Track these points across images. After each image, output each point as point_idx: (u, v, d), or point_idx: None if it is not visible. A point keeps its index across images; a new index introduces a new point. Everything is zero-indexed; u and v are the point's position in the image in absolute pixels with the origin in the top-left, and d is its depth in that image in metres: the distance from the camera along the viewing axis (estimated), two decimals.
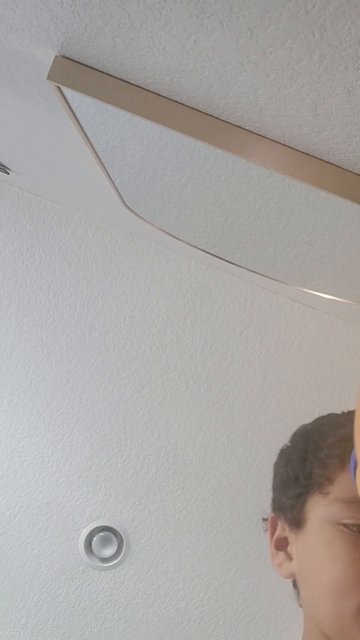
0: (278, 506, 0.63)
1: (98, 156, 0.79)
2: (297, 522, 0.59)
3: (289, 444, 0.67)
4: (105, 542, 1.47)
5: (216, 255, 1.17)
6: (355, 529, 0.54)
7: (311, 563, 0.57)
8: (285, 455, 0.66)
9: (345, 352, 1.50)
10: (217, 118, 0.59)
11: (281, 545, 0.62)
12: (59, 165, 1.06)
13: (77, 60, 0.58)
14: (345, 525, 0.55)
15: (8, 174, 1.30)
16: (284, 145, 0.60)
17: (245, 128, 0.59)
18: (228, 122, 0.59)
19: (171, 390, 1.49)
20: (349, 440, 0.58)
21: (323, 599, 0.54)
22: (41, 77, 0.66)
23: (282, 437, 1.52)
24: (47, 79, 0.58)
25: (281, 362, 1.50)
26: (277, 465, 0.66)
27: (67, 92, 0.59)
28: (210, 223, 0.99)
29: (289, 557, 0.61)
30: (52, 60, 0.59)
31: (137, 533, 1.49)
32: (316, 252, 0.90)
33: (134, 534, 1.48)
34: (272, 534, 0.63)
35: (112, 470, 1.49)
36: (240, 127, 0.59)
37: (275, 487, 0.65)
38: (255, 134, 0.59)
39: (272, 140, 0.60)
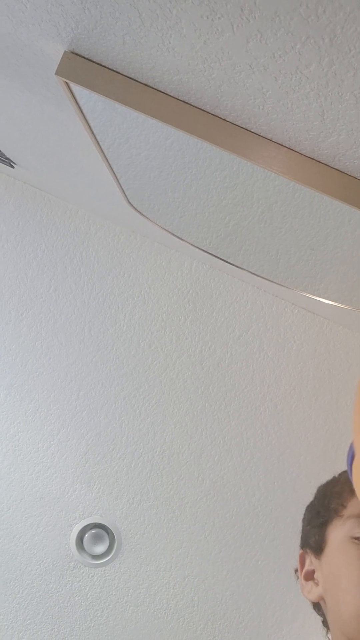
0: (305, 540, 0.77)
1: (104, 153, 0.79)
2: (319, 547, 0.72)
3: (312, 499, 0.81)
4: (97, 539, 1.47)
5: (218, 256, 1.17)
6: None
7: (332, 576, 0.68)
8: (310, 504, 0.80)
9: (344, 358, 1.50)
10: (224, 119, 0.59)
11: (309, 576, 0.74)
12: (65, 160, 1.06)
13: (86, 56, 0.58)
14: (357, 538, 0.66)
15: (13, 167, 1.30)
16: (290, 149, 0.60)
17: (252, 130, 0.59)
18: (235, 124, 0.59)
19: (168, 390, 1.49)
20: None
21: (344, 601, 0.64)
22: (50, 72, 0.66)
23: (278, 441, 1.53)
24: (55, 74, 0.58)
25: (279, 366, 1.50)
26: (304, 514, 0.81)
27: (75, 88, 0.59)
28: (213, 224, 0.99)
29: (316, 584, 0.72)
30: (61, 56, 0.59)
31: (129, 531, 1.49)
32: (318, 257, 0.90)
33: (126, 532, 1.49)
34: (302, 568, 0.76)
35: (107, 467, 1.49)
36: (247, 130, 0.59)
37: (303, 528, 0.79)
38: (262, 136, 0.59)
39: (278, 144, 0.60)
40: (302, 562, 0.76)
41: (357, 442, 0.55)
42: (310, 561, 0.74)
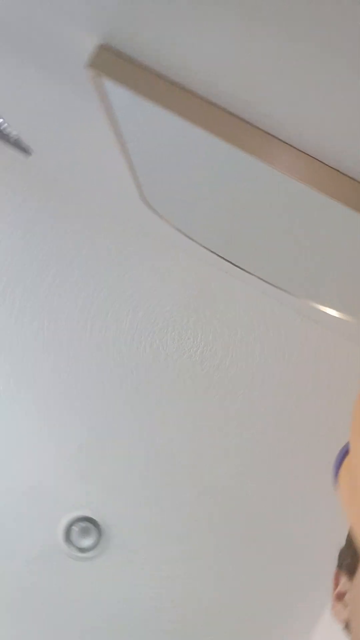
0: (340, 559, 0.75)
1: (125, 147, 0.78)
2: (351, 569, 0.70)
3: None
4: (84, 532, 1.47)
5: (227, 259, 1.17)
6: None
7: (357, 602, 0.66)
8: None
9: (344, 369, 1.50)
10: (253, 125, 0.58)
11: (340, 597, 0.73)
12: (81, 154, 1.06)
13: (120, 50, 0.58)
14: None
15: (28, 156, 1.29)
16: (315, 158, 0.60)
17: (280, 138, 0.59)
18: (263, 130, 0.59)
19: (168, 389, 1.48)
20: None
21: None
22: (80, 63, 0.65)
23: (276, 445, 1.53)
24: (87, 66, 0.57)
25: (279, 371, 1.50)
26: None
27: (106, 81, 0.59)
28: (226, 227, 0.99)
29: (345, 605, 0.71)
30: (94, 48, 0.58)
31: (117, 527, 1.49)
32: (329, 269, 0.90)
33: (114, 528, 1.48)
34: (335, 587, 0.74)
35: (101, 463, 1.48)
36: (274, 137, 0.59)
37: (342, 546, 0.77)
38: (288, 144, 0.59)
39: (303, 153, 0.60)
40: (337, 582, 0.74)
41: (354, 441, 0.55)
42: (345, 583, 0.73)
